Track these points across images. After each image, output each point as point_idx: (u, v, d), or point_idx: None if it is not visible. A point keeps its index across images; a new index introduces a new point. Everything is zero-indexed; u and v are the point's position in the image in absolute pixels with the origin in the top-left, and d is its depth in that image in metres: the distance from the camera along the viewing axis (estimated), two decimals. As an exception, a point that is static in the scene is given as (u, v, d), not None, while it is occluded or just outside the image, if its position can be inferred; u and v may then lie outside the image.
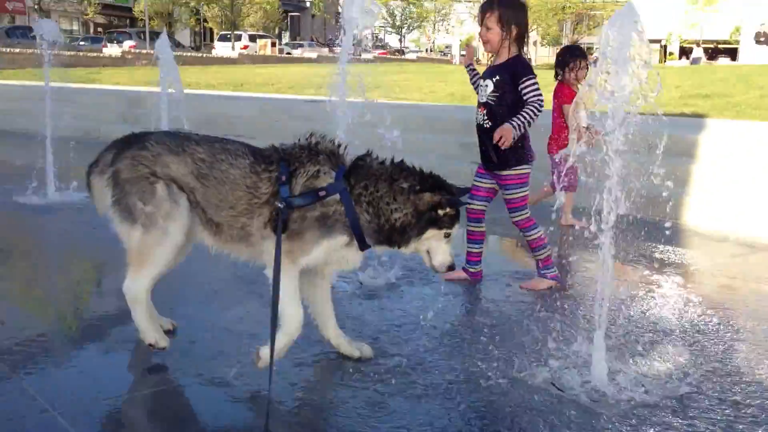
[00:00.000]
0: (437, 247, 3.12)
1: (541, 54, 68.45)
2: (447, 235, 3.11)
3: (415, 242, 3.09)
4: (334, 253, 3.11)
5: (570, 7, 53.88)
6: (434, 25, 74.68)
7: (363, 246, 3.11)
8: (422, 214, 3.03)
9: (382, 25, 71.27)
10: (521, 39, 4.22)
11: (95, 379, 3.15)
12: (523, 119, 4.07)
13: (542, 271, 4.45)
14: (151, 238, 3.12)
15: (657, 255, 5.47)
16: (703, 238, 6.12)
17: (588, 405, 2.97)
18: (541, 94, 4.13)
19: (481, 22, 4.22)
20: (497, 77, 4.22)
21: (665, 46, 59.74)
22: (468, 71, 4.63)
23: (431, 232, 3.07)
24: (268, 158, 3.14)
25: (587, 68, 5.88)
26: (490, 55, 4.39)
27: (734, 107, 11.15)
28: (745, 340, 3.80)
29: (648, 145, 7.95)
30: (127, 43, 38.47)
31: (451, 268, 3.18)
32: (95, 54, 31.51)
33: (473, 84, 4.54)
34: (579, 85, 5.84)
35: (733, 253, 5.71)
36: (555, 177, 5.66)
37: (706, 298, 4.42)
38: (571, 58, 6.05)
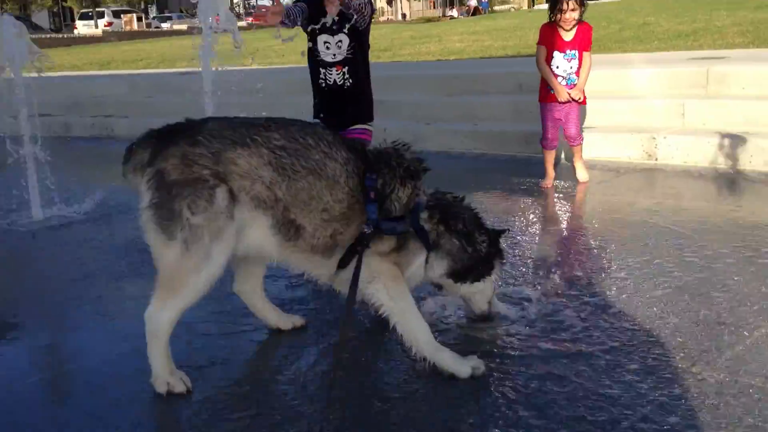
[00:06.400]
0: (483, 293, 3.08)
1: (415, 8, 68.91)
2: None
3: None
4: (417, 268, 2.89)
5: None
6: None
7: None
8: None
9: (253, -10, 69.17)
10: None
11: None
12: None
13: None
14: (188, 262, 2.58)
15: (537, 188, 5.76)
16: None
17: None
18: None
19: None
20: (347, 26, 3.87)
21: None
22: (284, 25, 3.86)
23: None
24: (363, 156, 2.79)
25: (576, 10, 5.47)
26: None
27: (596, 42, 11.67)
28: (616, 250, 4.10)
29: (519, 85, 8.15)
30: (-22, 30, 35.69)
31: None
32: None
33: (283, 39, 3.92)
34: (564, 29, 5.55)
35: (601, 179, 6.06)
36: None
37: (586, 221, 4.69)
38: None
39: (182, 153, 2.60)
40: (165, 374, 2.70)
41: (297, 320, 3.25)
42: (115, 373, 2.94)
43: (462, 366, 2.72)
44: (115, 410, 2.66)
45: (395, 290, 2.75)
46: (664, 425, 2.35)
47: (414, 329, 2.76)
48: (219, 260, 2.62)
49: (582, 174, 5.86)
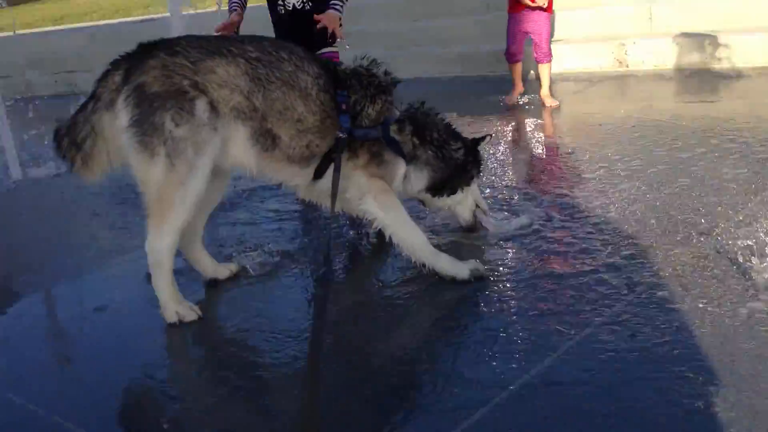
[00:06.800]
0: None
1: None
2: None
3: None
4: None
5: None
6: None
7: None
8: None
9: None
10: None
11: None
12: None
13: None
14: (174, 177, 2.52)
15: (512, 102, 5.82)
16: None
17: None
18: None
19: None
20: None
21: None
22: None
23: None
24: (334, 73, 2.80)
25: None
26: None
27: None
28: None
29: (486, 4, 8.04)
30: None
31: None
32: None
33: None
34: None
35: (575, 90, 6.13)
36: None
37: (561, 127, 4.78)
38: None
39: (162, 64, 2.56)
40: (173, 304, 2.68)
41: (233, 267, 3.14)
42: (117, 324, 2.90)
43: (461, 269, 2.79)
44: (120, 365, 2.54)
45: (386, 202, 2.81)
46: (654, 299, 2.49)
47: (409, 237, 2.82)
48: (203, 173, 2.58)
49: (549, 101, 5.69)
